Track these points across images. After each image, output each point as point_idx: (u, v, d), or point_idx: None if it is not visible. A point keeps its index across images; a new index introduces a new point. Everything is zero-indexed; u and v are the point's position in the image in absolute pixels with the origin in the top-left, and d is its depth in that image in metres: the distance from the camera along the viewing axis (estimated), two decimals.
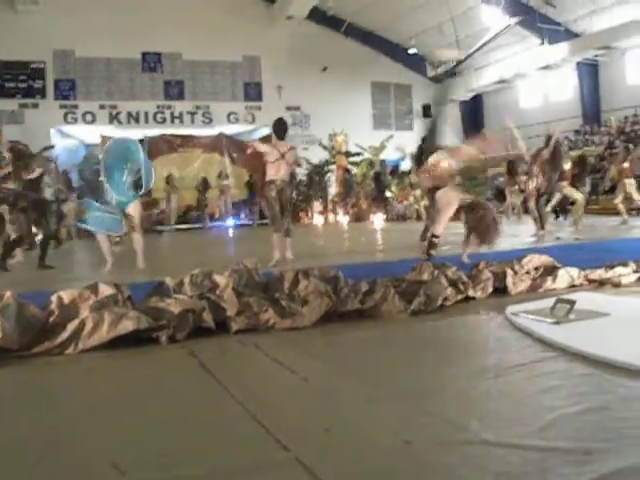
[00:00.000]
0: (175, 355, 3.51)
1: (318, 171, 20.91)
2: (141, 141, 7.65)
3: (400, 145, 23.00)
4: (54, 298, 3.79)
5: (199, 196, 19.14)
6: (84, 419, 2.51)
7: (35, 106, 21.15)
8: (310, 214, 19.07)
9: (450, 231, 8.15)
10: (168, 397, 2.78)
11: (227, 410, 2.54)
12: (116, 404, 2.70)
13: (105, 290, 3.94)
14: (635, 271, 5.29)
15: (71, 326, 3.58)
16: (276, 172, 7.43)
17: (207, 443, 2.20)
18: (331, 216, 19.56)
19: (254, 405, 2.54)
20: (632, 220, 11.75)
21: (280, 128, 7.69)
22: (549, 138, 9.41)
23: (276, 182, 7.40)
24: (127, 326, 3.61)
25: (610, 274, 5.20)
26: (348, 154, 22.03)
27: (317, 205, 19.70)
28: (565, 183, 10.46)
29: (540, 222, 9.10)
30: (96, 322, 3.60)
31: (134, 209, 7.10)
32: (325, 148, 22.43)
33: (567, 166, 10.44)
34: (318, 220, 18.36)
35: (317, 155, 21.72)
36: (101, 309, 3.70)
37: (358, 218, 18.11)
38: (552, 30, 20.67)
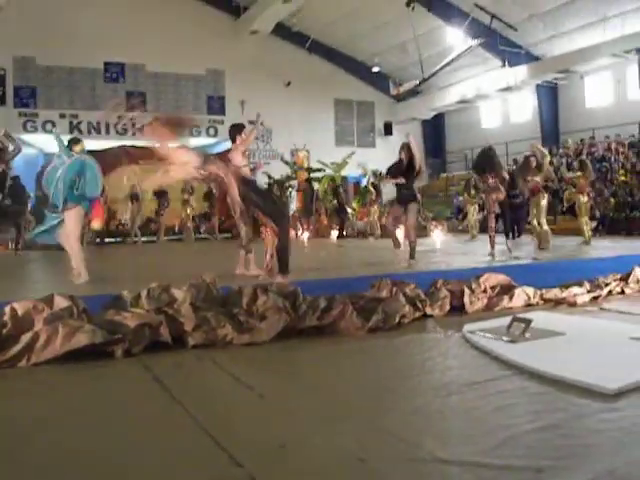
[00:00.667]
0: (130, 369, 3.46)
1: (279, 186, 20.90)
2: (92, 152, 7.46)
3: (362, 162, 23.21)
4: (7, 309, 3.70)
5: (157, 207, 18.92)
6: (34, 434, 2.46)
7: None
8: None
9: (407, 248, 8.21)
10: (121, 412, 2.73)
11: (181, 426, 2.51)
12: (68, 419, 2.65)
13: (60, 302, 3.87)
14: (589, 291, 5.40)
15: (24, 338, 3.50)
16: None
17: (160, 459, 2.17)
18: (292, 232, 19.53)
19: (209, 421, 2.51)
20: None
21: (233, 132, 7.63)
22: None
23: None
24: (81, 340, 3.55)
25: (565, 294, 5.30)
26: (310, 170, 22.09)
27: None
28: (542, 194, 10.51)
29: (491, 242, 9.17)
30: (50, 335, 3.53)
31: (68, 217, 6.93)
32: (287, 163, 22.46)
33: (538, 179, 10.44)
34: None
35: (278, 170, 21.75)
36: (55, 322, 3.63)
37: (319, 234, 18.15)
38: (513, 53, 21.10)
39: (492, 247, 9.06)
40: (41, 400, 2.98)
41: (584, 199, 11.30)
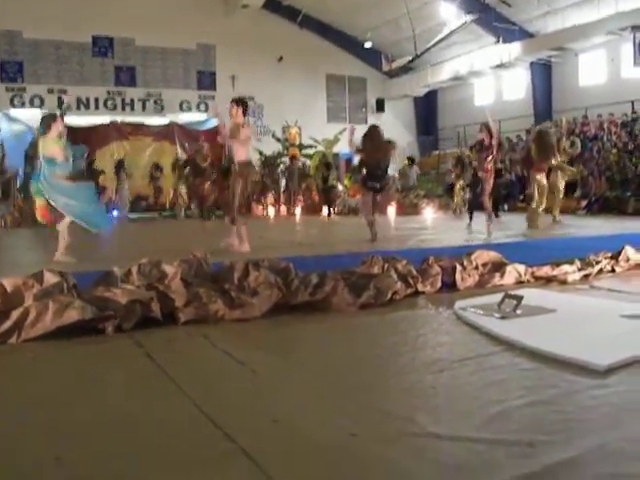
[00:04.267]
0: (121, 345, 3.45)
1: (270, 163, 20.81)
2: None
3: (354, 139, 23.08)
4: None
5: (152, 183, 18.79)
6: (26, 410, 2.45)
7: None
8: (264, 206, 18.97)
9: (402, 225, 8.22)
10: (112, 388, 2.72)
11: (173, 402, 2.51)
12: (59, 395, 2.64)
13: (50, 278, 3.84)
14: (580, 269, 5.41)
15: (14, 315, 3.48)
16: (249, 152, 7.35)
17: (151, 435, 2.17)
18: (283, 208, 19.51)
19: (200, 396, 2.51)
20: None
21: (246, 106, 7.52)
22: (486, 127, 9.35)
23: (252, 164, 7.34)
24: (72, 315, 3.53)
25: (556, 271, 5.31)
26: (301, 146, 21.99)
27: (270, 197, 19.60)
28: (540, 175, 10.39)
29: (490, 218, 9.16)
30: (40, 311, 3.51)
31: None
32: (278, 140, 22.33)
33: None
34: (270, 212, 18.28)
35: (270, 147, 21.63)
36: (46, 298, 3.61)
37: (310, 211, 18.11)
38: (507, 30, 20.94)
39: (488, 225, 9.05)
40: (32, 376, 2.97)
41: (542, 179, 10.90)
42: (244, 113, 7.35)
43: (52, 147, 6.57)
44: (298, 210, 17.19)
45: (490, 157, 9.14)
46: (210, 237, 9.10)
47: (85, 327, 3.58)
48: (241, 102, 7.39)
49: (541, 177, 10.31)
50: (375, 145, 8.21)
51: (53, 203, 6.52)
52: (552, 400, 2.42)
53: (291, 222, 14.32)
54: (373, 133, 8.36)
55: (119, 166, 17.89)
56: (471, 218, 10.36)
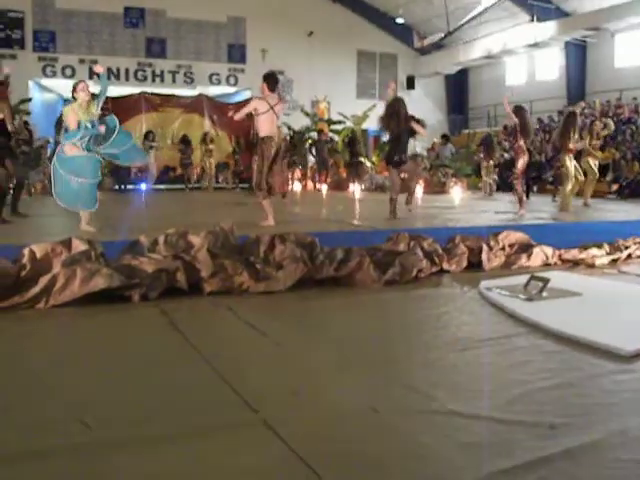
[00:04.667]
0: (147, 314, 3.49)
1: (299, 138, 20.74)
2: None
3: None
4: (26, 252, 3.73)
5: (181, 155, 18.85)
6: (53, 374, 2.49)
7: (13, 57, 20.60)
8: (291, 181, 18.97)
9: (429, 204, 8.18)
10: (138, 355, 2.76)
11: (196, 370, 2.53)
12: (86, 361, 2.68)
13: (78, 246, 3.89)
14: (608, 253, 5.34)
15: (43, 281, 3.53)
16: (270, 127, 7.29)
17: (175, 402, 2.20)
18: (310, 183, 19.47)
19: (224, 366, 2.53)
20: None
21: (273, 81, 7.52)
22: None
23: (274, 138, 7.28)
24: (99, 283, 3.57)
25: (584, 255, 5.25)
26: (330, 122, 21.88)
27: (297, 172, 19.57)
28: (570, 156, 10.21)
29: (521, 201, 9.07)
30: (68, 278, 3.56)
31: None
32: (307, 115, 22.24)
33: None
34: (297, 187, 18.27)
35: (299, 122, 21.55)
36: (73, 265, 3.65)
37: (337, 187, 18.05)
38: (542, 8, 20.53)
39: (521, 206, 8.95)
40: (58, 340, 3.03)
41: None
42: (269, 88, 7.37)
43: (69, 115, 6.60)
44: (325, 186, 17.12)
45: (517, 140, 9.07)
46: (238, 210, 9.13)
47: (112, 295, 3.63)
48: (265, 77, 7.47)
49: (569, 159, 10.12)
50: (399, 117, 8.16)
51: (54, 183, 6.63)
52: (575, 383, 2.41)
53: (318, 197, 14.28)
54: (395, 104, 8.31)
55: (147, 137, 17.94)
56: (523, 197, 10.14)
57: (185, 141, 18.65)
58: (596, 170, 11.29)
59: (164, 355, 2.78)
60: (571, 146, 9.94)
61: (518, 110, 9.20)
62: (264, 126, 7.27)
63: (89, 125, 6.49)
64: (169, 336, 3.04)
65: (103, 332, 3.17)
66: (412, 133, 8.44)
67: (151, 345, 2.95)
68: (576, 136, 10.07)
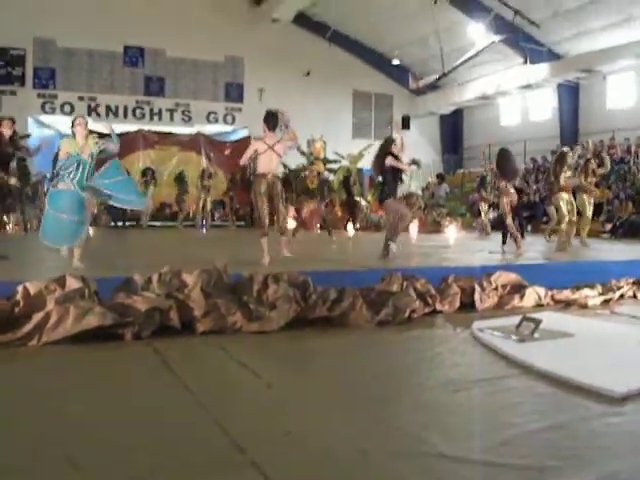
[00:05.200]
0: (139, 353, 3.48)
1: (295, 176, 20.86)
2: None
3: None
4: (20, 289, 3.74)
5: (177, 192, 18.90)
6: (43, 412, 2.48)
7: (13, 93, 20.83)
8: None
9: (421, 243, 8.20)
10: (129, 395, 2.75)
11: (187, 410, 2.53)
12: (76, 399, 2.67)
13: (72, 283, 3.89)
14: (601, 294, 5.36)
15: (36, 318, 3.54)
16: (267, 165, 7.31)
17: (165, 442, 2.19)
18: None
19: (214, 406, 2.53)
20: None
21: (271, 120, 7.61)
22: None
23: (267, 176, 7.30)
24: (92, 321, 3.58)
25: (577, 295, 5.27)
26: (326, 161, 22.03)
27: (291, 210, 19.61)
28: (562, 194, 10.22)
29: (516, 240, 9.07)
30: (61, 315, 3.56)
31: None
32: (303, 153, 22.38)
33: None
34: (291, 225, 18.29)
35: (295, 160, 21.69)
36: (67, 302, 3.66)
37: (333, 225, 18.08)
38: (535, 50, 20.87)
39: (517, 246, 8.95)
40: (49, 377, 3.02)
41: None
42: (268, 128, 7.51)
43: (62, 147, 6.64)
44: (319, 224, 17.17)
45: (503, 183, 9.13)
46: (233, 247, 9.14)
47: (104, 333, 3.63)
48: (264, 117, 7.63)
49: (561, 198, 10.16)
50: (383, 157, 8.25)
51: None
52: (566, 425, 2.41)
53: (313, 236, 14.32)
54: (381, 145, 8.43)
55: (145, 174, 18.04)
56: (504, 240, 10.14)
57: (181, 178, 18.76)
58: (591, 208, 11.33)
59: (155, 394, 2.77)
60: (562, 182, 10.01)
61: (500, 153, 9.30)
62: (261, 164, 7.32)
63: (80, 158, 6.51)
64: (161, 375, 3.03)
65: (95, 370, 3.16)
66: (398, 171, 8.40)
67: (143, 384, 2.94)
68: (568, 173, 10.15)
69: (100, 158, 6.69)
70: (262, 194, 7.21)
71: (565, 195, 10.14)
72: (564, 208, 10.08)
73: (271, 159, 7.34)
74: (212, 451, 2.11)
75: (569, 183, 10.25)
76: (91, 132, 6.79)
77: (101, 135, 6.92)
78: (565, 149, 10.48)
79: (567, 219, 10.07)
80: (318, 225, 16.32)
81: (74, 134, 6.63)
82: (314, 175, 15.73)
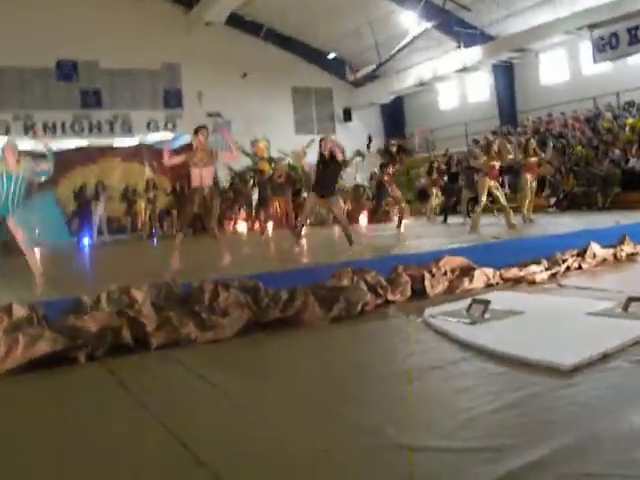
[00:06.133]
0: (94, 374, 3.43)
1: (241, 178, 20.76)
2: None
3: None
4: None
5: (127, 205, 18.63)
6: None
7: None
8: (234, 221, 18.90)
9: (371, 234, 8.26)
10: (85, 418, 2.71)
11: (145, 428, 2.51)
12: (32, 428, 2.62)
13: (19, 311, 3.81)
14: (547, 268, 5.49)
15: None
16: (200, 178, 7.39)
17: (124, 461, 2.18)
18: (256, 223, 19.42)
19: (174, 422, 2.52)
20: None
21: (202, 133, 7.62)
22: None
23: (199, 189, 7.37)
24: (43, 348, 3.51)
25: (524, 272, 5.38)
26: (270, 160, 21.97)
27: (241, 212, 19.51)
28: (493, 182, 10.53)
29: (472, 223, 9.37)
30: (10, 345, 3.48)
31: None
32: (247, 154, 22.30)
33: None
34: (242, 227, 18.21)
35: (239, 162, 21.60)
36: (15, 331, 3.58)
37: (281, 224, 18.05)
38: (468, 34, 21.20)
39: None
40: (4, 410, 2.95)
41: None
42: (199, 140, 7.60)
43: None
44: (270, 224, 17.13)
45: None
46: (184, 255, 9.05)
47: (57, 357, 3.57)
48: (195, 130, 7.74)
49: (483, 180, 10.55)
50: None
51: None
52: (519, 404, 2.47)
53: (262, 236, 14.29)
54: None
55: (96, 187, 17.72)
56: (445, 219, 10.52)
57: (125, 193, 18.54)
58: (534, 186, 11.64)
59: (112, 416, 2.74)
60: (490, 164, 10.36)
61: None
62: (194, 179, 7.49)
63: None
64: (117, 396, 3.00)
65: (50, 397, 3.10)
66: (336, 167, 8.67)
67: (98, 407, 2.89)
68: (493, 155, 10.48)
69: (35, 180, 6.66)
70: (194, 205, 7.36)
71: (490, 181, 10.46)
72: (480, 189, 10.49)
73: (202, 175, 7.40)
74: (175, 468, 2.11)
75: (496, 165, 10.56)
76: (26, 153, 6.73)
77: (39, 155, 6.84)
78: (491, 138, 10.82)
79: (483, 204, 10.43)
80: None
81: (5, 160, 6.58)
82: (282, 170, 15.68)
